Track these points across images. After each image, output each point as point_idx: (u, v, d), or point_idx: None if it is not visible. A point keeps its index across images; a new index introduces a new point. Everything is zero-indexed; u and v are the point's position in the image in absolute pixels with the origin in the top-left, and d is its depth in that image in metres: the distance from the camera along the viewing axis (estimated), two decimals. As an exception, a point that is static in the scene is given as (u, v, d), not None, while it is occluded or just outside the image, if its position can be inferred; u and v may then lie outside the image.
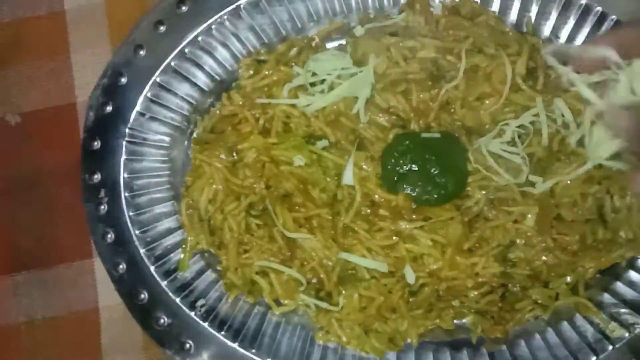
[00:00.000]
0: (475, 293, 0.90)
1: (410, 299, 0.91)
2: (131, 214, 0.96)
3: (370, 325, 0.92)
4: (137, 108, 0.98)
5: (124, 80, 0.98)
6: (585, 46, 0.81)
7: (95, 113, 0.98)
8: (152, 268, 0.95)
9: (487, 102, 0.92)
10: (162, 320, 0.94)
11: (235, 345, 0.93)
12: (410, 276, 0.89)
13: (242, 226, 0.93)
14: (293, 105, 0.94)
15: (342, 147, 0.92)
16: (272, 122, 0.95)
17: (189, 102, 0.99)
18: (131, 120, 0.97)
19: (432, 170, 0.89)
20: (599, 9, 0.95)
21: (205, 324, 0.94)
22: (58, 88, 1.06)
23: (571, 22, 0.96)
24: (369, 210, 0.90)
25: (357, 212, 0.90)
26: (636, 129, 0.70)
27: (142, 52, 0.98)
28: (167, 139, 0.98)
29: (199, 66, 0.99)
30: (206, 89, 0.99)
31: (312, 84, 0.93)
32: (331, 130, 0.93)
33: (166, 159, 0.98)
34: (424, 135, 0.91)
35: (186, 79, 0.99)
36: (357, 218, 0.90)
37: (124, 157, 0.97)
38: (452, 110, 0.92)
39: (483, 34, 0.94)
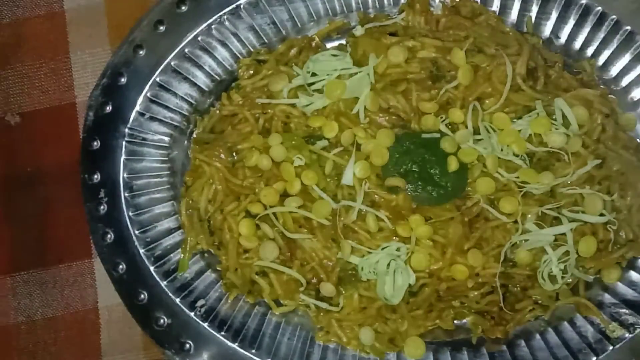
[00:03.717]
0: (476, 293, 0.90)
1: (411, 299, 0.91)
2: (131, 214, 0.96)
3: (371, 325, 0.92)
4: (137, 108, 0.98)
5: (123, 80, 0.97)
6: None
7: (94, 113, 0.97)
8: (152, 268, 0.95)
9: (487, 102, 0.92)
10: (161, 321, 0.94)
11: (235, 346, 0.93)
12: (412, 277, 0.89)
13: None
14: (293, 105, 0.94)
15: (342, 147, 0.92)
16: (272, 122, 0.95)
17: (189, 102, 0.99)
18: (131, 120, 0.97)
19: (432, 170, 0.89)
20: (599, 8, 0.95)
21: (205, 324, 0.94)
22: (58, 88, 1.06)
23: (571, 22, 0.96)
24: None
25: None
26: None
27: (141, 52, 0.98)
28: (167, 139, 0.98)
29: (199, 66, 0.99)
30: (206, 89, 0.99)
31: (311, 84, 0.93)
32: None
33: (166, 159, 0.98)
34: (424, 135, 0.90)
35: (186, 78, 0.98)
36: (357, 218, 0.90)
37: (123, 157, 0.97)
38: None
39: (483, 33, 0.94)
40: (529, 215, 0.89)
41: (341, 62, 0.93)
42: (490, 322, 0.91)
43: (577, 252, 0.89)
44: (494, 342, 0.92)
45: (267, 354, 0.93)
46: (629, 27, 0.95)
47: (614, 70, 0.96)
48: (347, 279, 0.92)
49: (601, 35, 0.96)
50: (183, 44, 0.98)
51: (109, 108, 0.97)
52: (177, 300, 0.94)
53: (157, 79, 0.98)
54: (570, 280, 0.91)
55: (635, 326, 0.90)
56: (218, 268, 0.96)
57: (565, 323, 0.91)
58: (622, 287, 0.92)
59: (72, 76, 1.06)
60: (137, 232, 0.96)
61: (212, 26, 0.99)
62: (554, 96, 0.92)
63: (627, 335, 0.90)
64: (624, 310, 0.91)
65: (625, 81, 0.96)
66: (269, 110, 0.95)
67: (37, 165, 1.04)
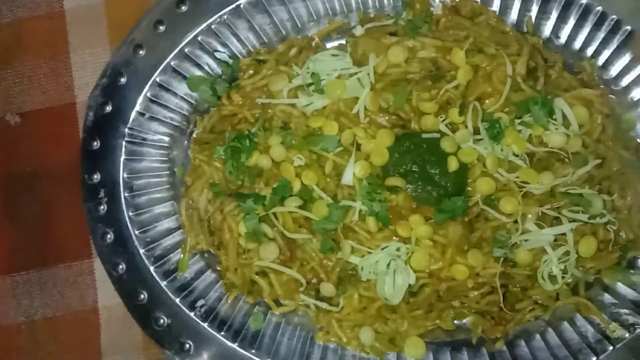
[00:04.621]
0: (476, 293, 0.90)
1: (411, 299, 0.90)
2: (131, 214, 0.96)
3: (371, 325, 0.92)
4: (137, 108, 0.98)
5: (123, 80, 0.97)
6: None
7: (94, 113, 0.97)
8: (151, 268, 0.95)
9: (487, 101, 0.92)
10: (161, 321, 0.94)
11: (235, 346, 0.93)
12: (412, 277, 0.89)
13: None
14: (293, 105, 0.94)
15: (342, 147, 0.92)
16: (272, 122, 0.95)
17: (189, 102, 0.99)
18: (131, 120, 0.97)
19: (432, 170, 0.89)
20: (600, 8, 0.95)
21: (205, 324, 0.94)
22: (57, 88, 1.06)
23: (571, 22, 0.96)
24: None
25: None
26: None
27: (141, 52, 0.98)
28: (166, 139, 0.98)
29: (199, 66, 0.99)
30: (206, 88, 0.99)
31: (310, 85, 0.93)
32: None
33: (166, 159, 0.98)
34: (425, 135, 0.90)
35: (186, 78, 0.98)
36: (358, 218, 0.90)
37: (123, 157, 0.97)
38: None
39: (483, 33, 0.94)
40: (529, 215, 0.89)
41: (341, 62, 0.93)
42: (490, 322, 0.91)
43: (577, 252, 0.89)
44: (494, 342, 0.92)
45: (267, 354, 0.93)
46: (629, 27, 0.95)
47: (614, 70, 0.96)
48: (347, 279, 0.92)
49: (601, 35, 0.95)
50: (183, 44, 0.98)
51: (109, 108, 0.97)
52: (177, 300, 0.94)
53: (157, 79, 0.98)
54: (570, 280, 0.91)
55: (635, 326, 0.90)
56: (218, 268, 0.96)
57: (565, 323, 0.91)
58: (622, 287, 0.92)
59: (72, 76, 1.06)
60: (137, 232, 0.96)
61: (212, 26, 0.99)
62: (554, 96, 0.92)
63: (627, 335, 0.90)
64: (624, 310, 0.91)
65: (625, 81, 0.96)
66: (269, 110, 0.95)
67: (37, 165, 1.04)
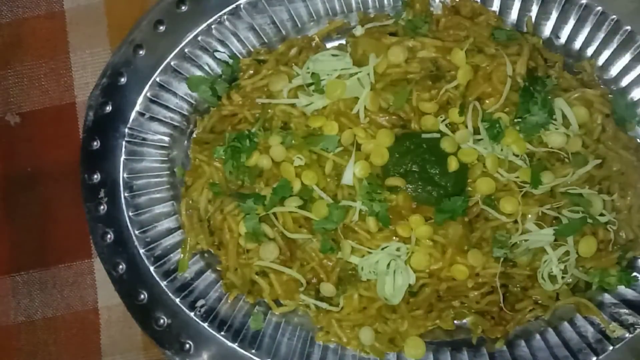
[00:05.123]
0: (476, 293, 0.90)
1: (411, 299, 0.90)
2: (131, 214, 0.96)
3: (371, 325, 0.92)
4: (137, 108, 0.98)
5: (123, 80, 0.97)
6: None
7: (94, 113, 0.97)
8: (151, 268, 0.95)
9: (487, 101, 0.92)
10: (161, 321, 0.94)
11: (235, 346, 0.93)
12: (412, 277, 0.89)
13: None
14: (293, 105, 0.94)
15: (342, 147, 0.92)
16: (272, 122, 0.95)
17: (189, 102, 0.99)
18: (131, 120, 0.97)
19: (432, 170, 0.89)
20: (600, 8, 0.95)
21: (205, 324, 0.94)
22: (57, 88, 1.06)
23: (571, 22, 0.96)
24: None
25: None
26: None
27: (141, 52, 0.98)
28: (166, 139, 0.98)
29: (199, 66, 0.99)
30: (206, 88, 0.99)
31: (310, 85, 0.93)
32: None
33: (166, 159, 0.98)
34: (424, 135, 0.90)
35: (186, 78, 0.99)
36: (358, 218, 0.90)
37: (123, 157, 0.97)
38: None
39: (483, 33, 0.94)
40: (529, 215, 0.89)
41: (341, 62, 0.93)
42: (490, 322, 0.91)
43: (577, 252, 0.89)
44: (494, 342, 0.92)
45: (267, 354, 0.93)
46: (629, 27, 0.95)
47: (614, 70, 0.96)
48: (347, 279, 0.92)
49: (601, 35, 0.96)
50: (183, 44, 0.98)
51: (109, 108, 0.97)
52: (177, 300, 0.94)
53: (157, 79, 0.98)
54: (570, 280, 0.91)
55: (635, 326, 0.90)
56: (218, 268, 0.96)
57: (565, 323, 0.91)
58: (622, 287, 0.92)
59: (72, 76, 1.06)
60: (137, 232, 0.96)
61: (212, 26, 0.99)
62: (554, 96, 0.92)
63: (627, 335, 0.90)
64: (624, 310, 0.91)
65: (625, 81, 0.96)
66: (269, 110, 0.95)
67: (37, 165, 1.04)
